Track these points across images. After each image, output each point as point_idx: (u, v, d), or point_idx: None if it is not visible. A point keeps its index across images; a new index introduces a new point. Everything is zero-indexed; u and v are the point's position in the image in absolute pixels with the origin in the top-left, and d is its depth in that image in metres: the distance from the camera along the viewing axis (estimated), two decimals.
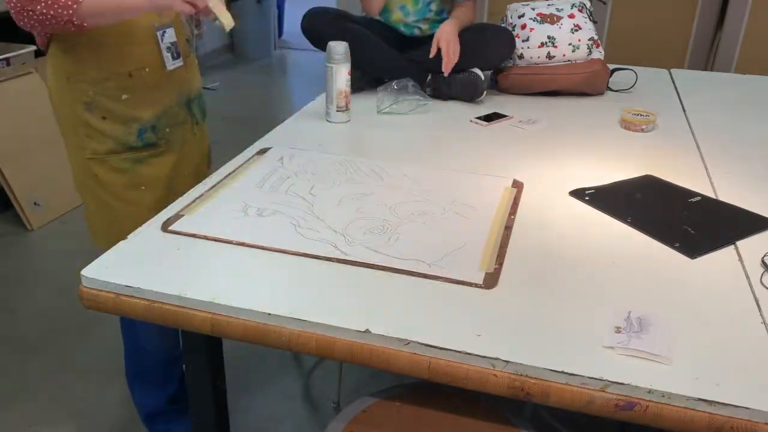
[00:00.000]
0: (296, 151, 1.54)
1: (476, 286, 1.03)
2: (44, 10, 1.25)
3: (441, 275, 1.05)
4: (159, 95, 1.48)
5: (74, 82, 1.40)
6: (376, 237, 1.16)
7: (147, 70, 1.44)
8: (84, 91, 1.41)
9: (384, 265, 1.08)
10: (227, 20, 1.38)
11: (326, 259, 1.09)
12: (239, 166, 1.44)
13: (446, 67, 1.86)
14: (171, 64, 1.49)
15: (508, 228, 1.22)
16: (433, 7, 1.99)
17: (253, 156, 1.50)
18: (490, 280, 1.05)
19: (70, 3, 1.25)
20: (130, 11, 1.34)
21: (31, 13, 1.26)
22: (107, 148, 1.45)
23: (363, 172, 1.44)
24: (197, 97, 1.62)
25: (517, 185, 1.40)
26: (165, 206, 1.26)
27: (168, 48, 1.47)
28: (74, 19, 1.27)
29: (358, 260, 1.09)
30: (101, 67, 1.39)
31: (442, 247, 1.14)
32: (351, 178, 1.41)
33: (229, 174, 1.40)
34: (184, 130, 1.57)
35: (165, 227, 1.18)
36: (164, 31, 1.45)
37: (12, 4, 1.26)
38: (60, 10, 1.25)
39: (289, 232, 1.17)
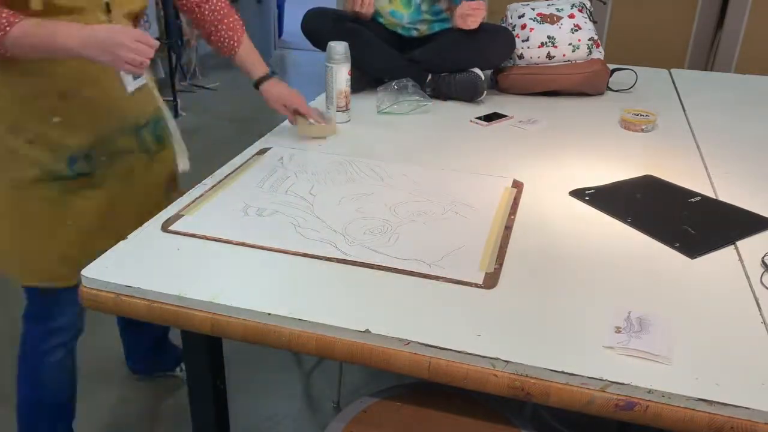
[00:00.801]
0: (296, 151, 1.54)
1: (476, 286, 1.03)
2: None
3: (441, 275, 1.05)
4: (96, 120, 1.29)
5: None
6: (376, 237, 1.16)
7: (84, 90, 1.25)
8: (6, 110, 1.22)
9: (384, 265, 1.08)
10: (324, 132, 1.46)
11: (326, 259, 1.09)
12: (239, 166, 1.44)
13: (471, 20, 1.87)
14: (132, 85, 1.29)
15: (508, 228, 1.22)
16: (424, 7, 1.98)
17: (253, 156, 1.50)
18: (490, 280, 1.04)
19: None
20: (61, 54, 1.14)
21: None
22: (33, 176, 1.26)
23: (363, 172, 1.44)
24: (151, 123, 1.42)
25: (517, 185, 1.40)
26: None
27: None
28: None
29: (358, 260, 1.09)
30: (28, 83, 1.21)
31: (442, 247, 1.14)
32: (351, 178, 1.41)
33: (229, 174, 1.40)
34: (131, 159, 1.39)
35: (165, 227, 1.18)
36: None
37: None
38: None
39: (289, 232, 1.17)
